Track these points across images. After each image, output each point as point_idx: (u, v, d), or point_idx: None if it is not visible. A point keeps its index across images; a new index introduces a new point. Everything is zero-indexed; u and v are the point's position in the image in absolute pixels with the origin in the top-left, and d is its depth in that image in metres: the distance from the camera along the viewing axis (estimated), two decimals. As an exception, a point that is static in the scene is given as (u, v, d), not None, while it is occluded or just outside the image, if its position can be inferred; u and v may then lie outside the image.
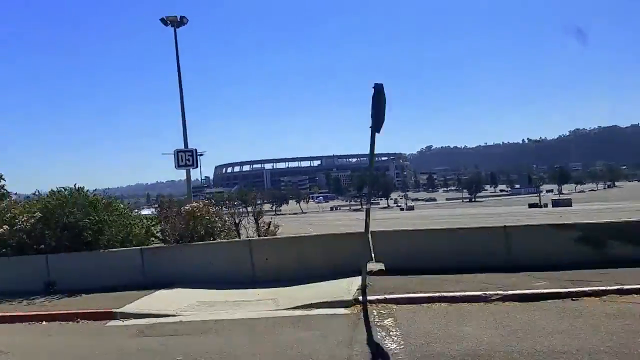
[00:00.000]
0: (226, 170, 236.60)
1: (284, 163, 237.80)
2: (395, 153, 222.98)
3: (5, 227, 11.39)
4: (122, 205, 11.88)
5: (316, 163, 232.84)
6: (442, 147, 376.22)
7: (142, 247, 10.44)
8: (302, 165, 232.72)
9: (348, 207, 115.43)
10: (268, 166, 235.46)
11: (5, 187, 16.74)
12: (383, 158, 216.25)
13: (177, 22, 30.49)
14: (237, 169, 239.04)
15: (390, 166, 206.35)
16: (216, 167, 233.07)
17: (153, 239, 11.93)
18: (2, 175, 16.62)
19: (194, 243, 10.11)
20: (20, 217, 11.02)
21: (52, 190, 11.75)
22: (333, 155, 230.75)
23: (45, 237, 11.07)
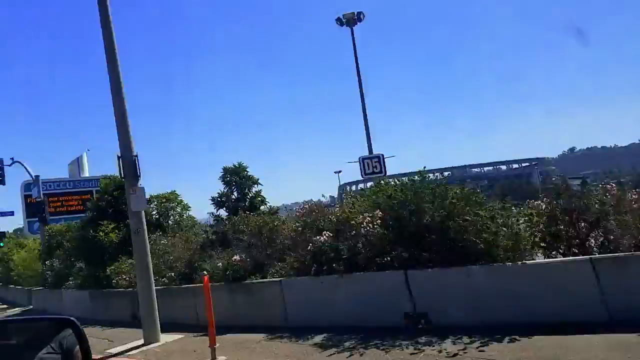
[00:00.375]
0: (349, 188, 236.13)
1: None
2: (536, 158, 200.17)
3: (327, 233, 8.31)
4: (480, 196, 8.02)
5: (445, 174, 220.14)
6: (587, 147, 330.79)
7: (592, 257, 6.27)
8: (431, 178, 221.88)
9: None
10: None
11: (261, 193, 14.64)
12: (524, 164, 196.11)
13: (353, 20, 27.29)
14: (360, 186, 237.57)
15: (532, 172, 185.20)
16: (339, 186, 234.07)
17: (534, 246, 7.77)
18: (258, 180, 14.56)
19: None
20: (359, 219, 7.76)
21: (381, 180, 8.45)
22: (465, 165, 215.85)
23: (386, 246, 7.69)
